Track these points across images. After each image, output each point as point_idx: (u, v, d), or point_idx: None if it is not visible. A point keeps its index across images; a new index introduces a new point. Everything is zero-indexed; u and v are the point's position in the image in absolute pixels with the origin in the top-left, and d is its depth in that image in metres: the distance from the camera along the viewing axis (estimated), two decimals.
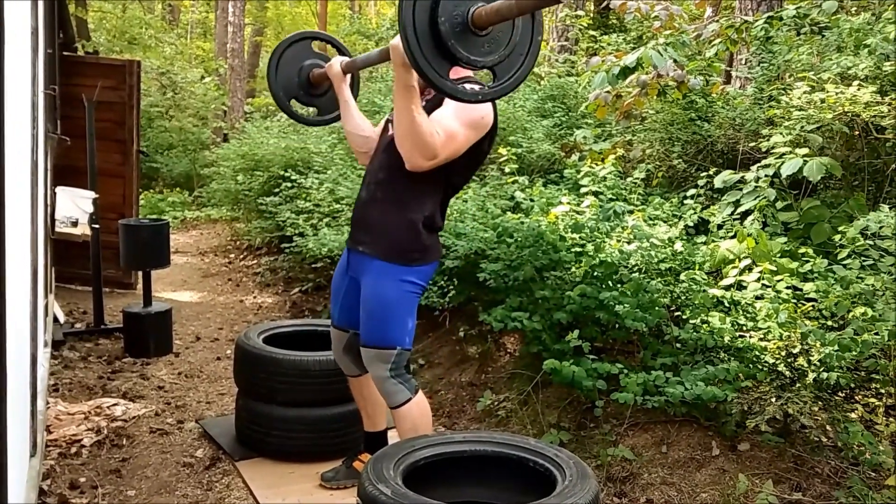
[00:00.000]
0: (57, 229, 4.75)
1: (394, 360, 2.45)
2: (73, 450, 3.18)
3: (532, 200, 4.51)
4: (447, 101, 2.32)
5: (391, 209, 2.45)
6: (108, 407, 3.63)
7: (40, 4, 3.12)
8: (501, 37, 1.82)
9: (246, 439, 3.19)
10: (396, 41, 2.08)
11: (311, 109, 3.08)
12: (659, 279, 3.58)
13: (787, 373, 3.10)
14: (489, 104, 2.36)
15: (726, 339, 3.23)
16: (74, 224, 4.71)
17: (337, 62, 2.71)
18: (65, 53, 5.89)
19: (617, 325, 3.42)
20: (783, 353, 3.16)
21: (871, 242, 3.32)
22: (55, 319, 4.76)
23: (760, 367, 3.14)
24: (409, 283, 2.45)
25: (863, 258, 3.33)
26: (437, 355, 4.32)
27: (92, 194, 4.84)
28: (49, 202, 4.53)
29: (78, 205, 4.74)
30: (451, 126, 2.30)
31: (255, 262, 7.26)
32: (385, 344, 2.44)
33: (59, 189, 4.85)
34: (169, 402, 3.81)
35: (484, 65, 1.82)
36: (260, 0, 19.35)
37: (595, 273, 3.60)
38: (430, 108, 2.37)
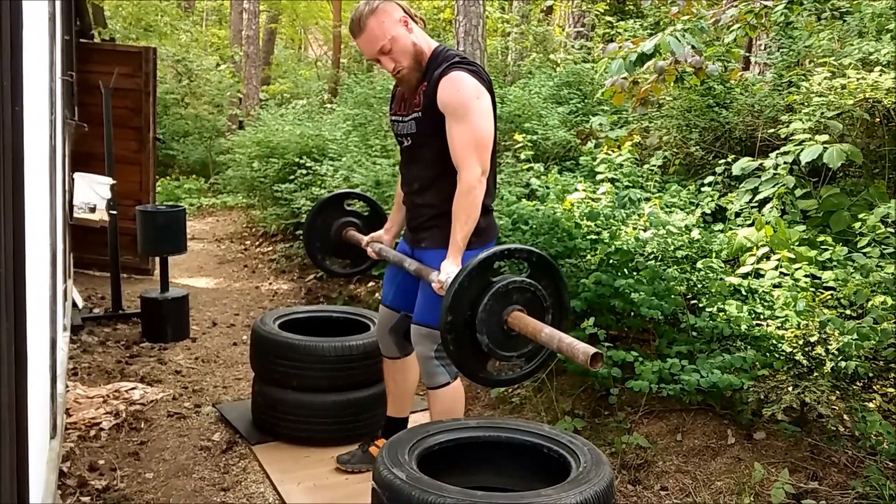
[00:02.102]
0: (75, 215, 4.79)
1: (441, 342, 2.49)
2: (92, 432, 3.23)
3: (547, 187, 4.49)
4: (447, 106, 2.37)
5: (437, 210, 2.51)
6: (126, 391, 3.67)
7: None
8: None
9: (262, 424, 3.21)
10: (436, 277, 2.32)
11: (345, 260, 3.20)
12: (675, 267, 3.56)
13: (805, 361, 3.08)
14: (481, 86, 2.38)
15: (743, 327, 3.20)
16: (92, 210, 4.75)
17: (372, 252, 2.82)
18: (81, 40, 5.92)
19: (632, 313, 3.41)
20: (801, 342, 3.13)
21: (892, 230, 3.28)
22: (74, 304, 4.81)
23: (777, 355, 3.11)
24: None
25: (883, 246, 3.29)
26: None
27: (109, 180, 4.87)
28: (67, 188, 4.57)
29: (96, 191, 4.77)
30: (470, 139, 2.36)
31: (270, 248, 7.29)
32: (437, 325, 2.48)
33: (76, 175, 4.89)
34: (186, 386, 3.85)
35: (515, 356, 2.09)
36: None
37: (610, 260, 3.58)
38: (428, 103, 2.40)
